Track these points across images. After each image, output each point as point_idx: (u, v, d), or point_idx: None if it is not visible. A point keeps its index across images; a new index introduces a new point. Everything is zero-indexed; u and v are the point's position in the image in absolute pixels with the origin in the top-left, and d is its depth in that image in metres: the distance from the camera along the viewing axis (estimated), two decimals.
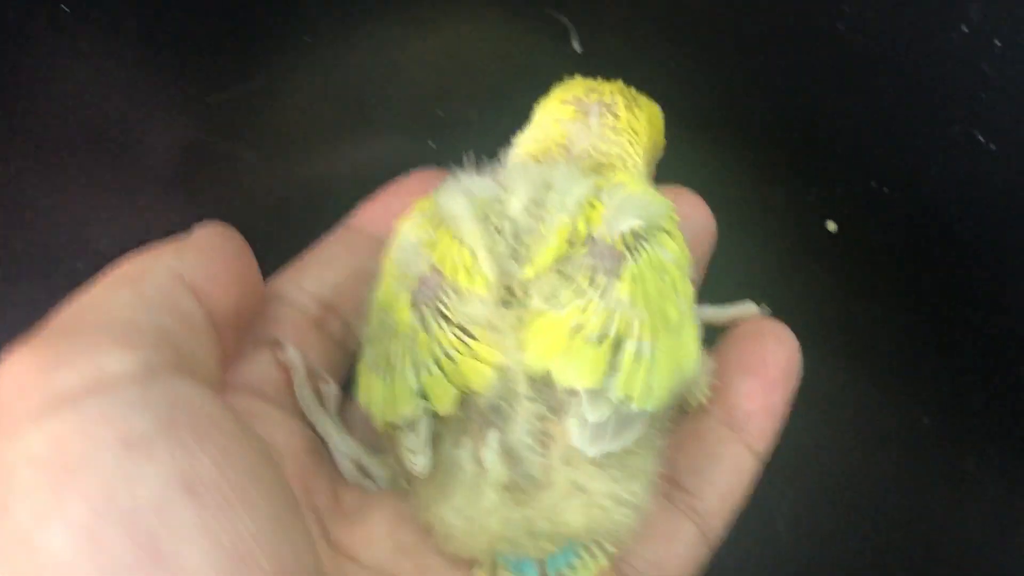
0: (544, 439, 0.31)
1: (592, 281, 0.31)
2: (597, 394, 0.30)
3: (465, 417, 0.31)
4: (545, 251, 0.32)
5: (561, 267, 0.32)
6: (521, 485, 0.31)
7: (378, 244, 0.35)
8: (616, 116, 0.37)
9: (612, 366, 0.30)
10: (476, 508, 0.31)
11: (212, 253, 0.31)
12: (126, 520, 0.22)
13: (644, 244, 0.32)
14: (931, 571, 0.52)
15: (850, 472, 0.52)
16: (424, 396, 0.31)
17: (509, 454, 0.31)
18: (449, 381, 0.31)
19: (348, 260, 0.38)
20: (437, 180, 0.36)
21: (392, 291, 0.33)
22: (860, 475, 0.52)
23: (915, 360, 0.50)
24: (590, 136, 0.37)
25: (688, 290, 0.33)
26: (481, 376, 0.31)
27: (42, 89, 0.46)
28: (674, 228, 0.34)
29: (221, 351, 0.31)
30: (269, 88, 0.46)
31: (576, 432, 0.30)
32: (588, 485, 0.31)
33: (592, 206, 0.33)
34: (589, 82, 0.39)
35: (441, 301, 0.32)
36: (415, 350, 0.32)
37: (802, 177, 0.48)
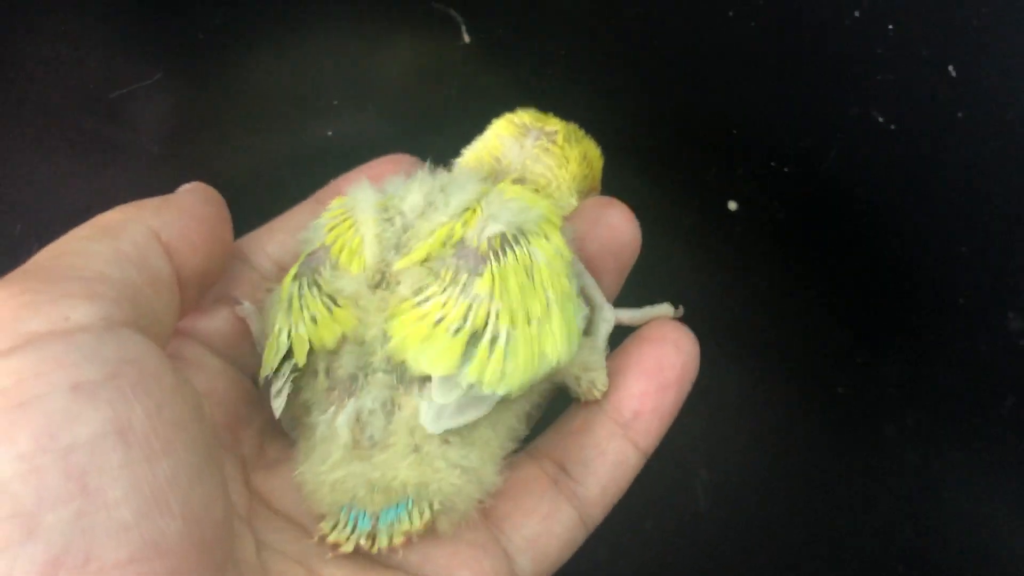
0: (392, 408, 0.35)
1: (454, 278, 0.35)
2: (448, 379, 0.34)
3: (330, 387, 0.35)
4: (419, 247, 0.36)
5: (431, 264, 0.36)
6: (363, 445, 0.34)
7: None
8: (552, 142, 0.41)
9: (467, 355, 0.34)
10: (323, 465, 0.34)
11: (191, 214, 0.35)
12: (63, 456, 0.25)
13: (511, 247, 0.35)
14: (853, 536, 0.53)
15: (768, 444, 0.53)
16: (288, 351, 0.35)
17: (359, 419, 0.35)
18: (309, 338, 0.35)
19: None
20: (407, 162, 0.41)
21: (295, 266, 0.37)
22: (778, 447, 0.53)
23: (825, 332, 0.50)
24: (521, 154, 0.41)
25: (563, 286, 0.36)
26: (334, 335, 0.35)
27: None
28: (552, 231, 0.37)
29: (179, 306, 0.34)
30: (167, 84, 0.46)
31: (423, 411, 0.34)
32: (423, 447, 0.34)
33: (472, 211, 0.37)
34: (543, 115, 0.42)
35: (318, 272, 0.36)
36: (288, 313, 0.36)
37: (702, 158, 0.48)
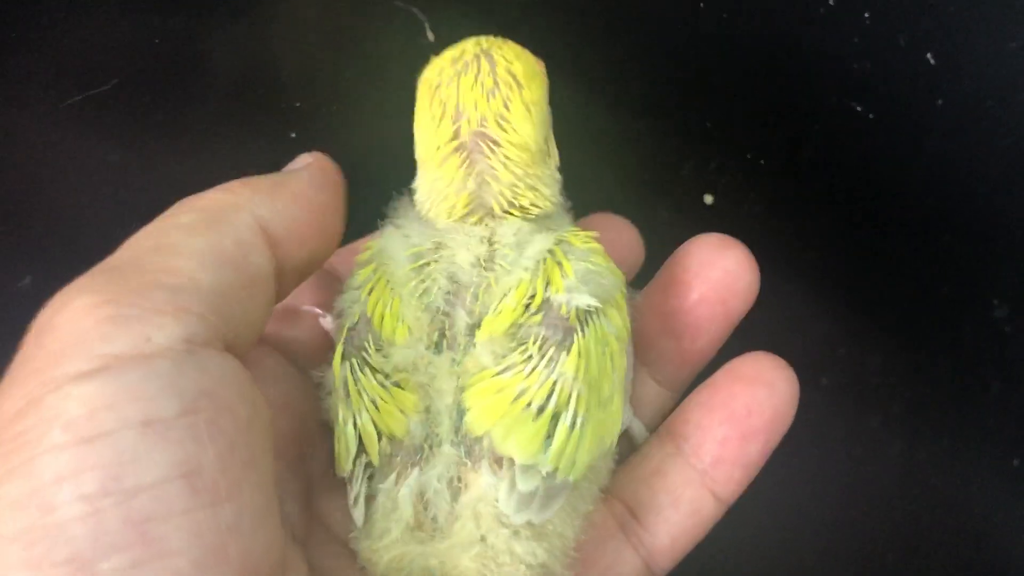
0: (458, 487, 0.32)
1: (541, 350, 0.32)
2: (531, 466, 0.32)
3: (393, 453, 0.33)
4: (504, 310, 0.33)
5: (514, 329, 0.33)
6: (426, 527, 0.32)
7: None
8: (494, 143, 0.36)
9: (546, 438, 0.31)
10: (381, 540, 0.33)
11: (305, 202, 0.32)
12: (127, 499, 0.24)
13: (593, 318, 0.33)
14: (840, 527, 0.53)
15: None
16: (360, 447, 0.33)
17: (423, 496, 0.32)
18: (377, 429, 0.33)
19: None
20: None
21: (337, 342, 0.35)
22: None
23: (808, 323, 0.50)
24: (488, 188, 0.36)
25: (623, 363, 0.34)
26: (400, 423, 0.32)
27: None
28: (622, 301, 0.35)
29: (272, 307, 0.32)
30: (125, 88, 0.45)
31: (504, 497, 0.32)
32: (489, 538, 0.32)
33: (553, 265, 0.34)
34: (446, 93, 0.36)
35: (365, 351, 0.34)
36: (347, 401, 0.33)
37: (678, 152, 0.47)
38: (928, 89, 0.44)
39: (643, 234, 0.42)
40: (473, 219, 0.36)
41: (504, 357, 0.33)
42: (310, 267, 0.34)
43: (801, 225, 0.49)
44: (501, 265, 0.34)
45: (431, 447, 0.32)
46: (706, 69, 0.46)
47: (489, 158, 0.35)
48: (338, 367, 0.34)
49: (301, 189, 0.32)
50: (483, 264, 0.35)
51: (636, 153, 0.48)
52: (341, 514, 0.34)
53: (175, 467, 0.25)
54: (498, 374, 0.32)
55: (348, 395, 0.33)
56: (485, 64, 0.36)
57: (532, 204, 0.36)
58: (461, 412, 0.32)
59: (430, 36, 0.46)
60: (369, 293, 0.34)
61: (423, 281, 0.34)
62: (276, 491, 0.29)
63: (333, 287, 0.37)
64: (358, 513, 0.33)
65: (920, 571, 0.52)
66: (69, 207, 0.45)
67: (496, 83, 0.36)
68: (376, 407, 0.33)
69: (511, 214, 0.36)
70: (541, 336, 0.33)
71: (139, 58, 0.46)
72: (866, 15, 0.42)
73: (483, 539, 0.32)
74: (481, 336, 0.33)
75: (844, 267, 0.49)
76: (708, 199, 0.48)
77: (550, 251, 0.35)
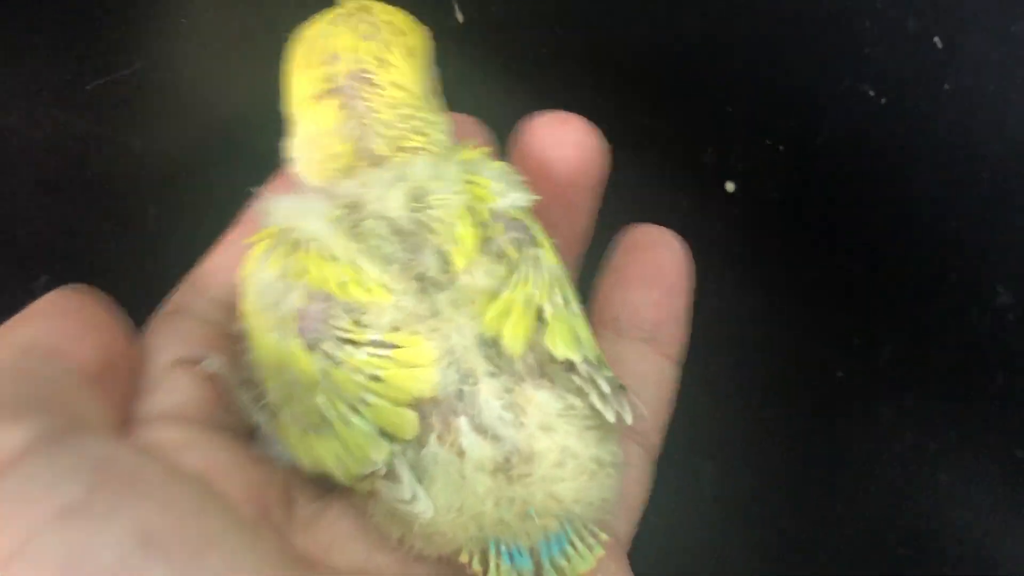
0: (519, 412, 0.31)
1: (521, 252, 0.33)
2: (583, 359, 0.32)
3: (424, 416, 0.30)
4: (465, 234, 0.33)
5: (482, 246, 0.33)
6: (511, 462, 0.30)
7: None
8: (376, 86, 0.35)
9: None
10: (467, 497, 0.30)
11: (59, 315, 0.30)
12: None
13: (530, 211, 0.34)
14: (853, 520, 0.53)
15: (767, 431, 0.52)
16: (384, 433, 0.30)
17: (486, 435, 0.30)
18: (393, 403, 0.30)
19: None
20: None
21: (274, 344, 0.32)
22: (778, 434, 0.52)
23: (824, 315, 0.50)
24: (371, 132, 0.35)
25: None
26: (423, 380, 0.31)
27: None
28: None
29: (109, 401, 0.30)
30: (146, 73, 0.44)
31: (602, 407, 0.31)
32: (576, 449, 0.31)
33: (475, 180, 0.34)
34: (321, 41, 0.36)
35: (338, 327, 0.31)
36: (342, 392, 0.31)
37: (699, 138, 0.48)
38: (935, 73, 0.45)
39: (665, 223, 0.43)
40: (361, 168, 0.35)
41: (494, 272, 0.32)
42: (116, 366, 0.31)
43: (816, 213, 0.50)
44: (436, 197, 0.33)
45: (469, 387, 0.31)
46: (724, 53, 0.47)
47: (369, 100, 0.35)
48: (307, 364, 0.31)
49: (50, 307, 0.31)
50: (416, 201, 0.33)
51: (658, 141, 0.49)
52: (329, 544, 0.32)
53: (125, 538, 0.22)
54: (513, 289, 0.32)
55: (336, 387, 0.31)
56: (364, 15, 0.36)
57: (422, 149, 0.35)
58: (489, 339, 0.31)
59: (459, 16, 0.46)
60: (306, 274, 0.32)
61: (369, 238, 0.33)
62: (251, 528, 0.27)
63: (195, 331, 0.35)
64: (423, 504, 0.30)
65: (931, 565, 0.52)
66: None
67: (375, 28, 0.36)
68: (380, 379, 0.31)
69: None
70: (512, 240, 0.33)
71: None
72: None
73: (569, 454, 0.31)
74: (460, 263, 0.32)
75: (858, 255, 0.50)
76: (730, 187, 0.49)
77: (464, 169, 0.34)
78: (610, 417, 0.31)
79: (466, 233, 0.33)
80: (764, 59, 0.48)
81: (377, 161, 0.35)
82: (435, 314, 0.32)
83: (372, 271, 0.32)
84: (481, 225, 0.33)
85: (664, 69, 0.49)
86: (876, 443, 0.52)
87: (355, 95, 0.35)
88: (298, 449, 0.33)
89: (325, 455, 0.31)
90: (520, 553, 0.31)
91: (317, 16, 0.37)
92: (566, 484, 0.31)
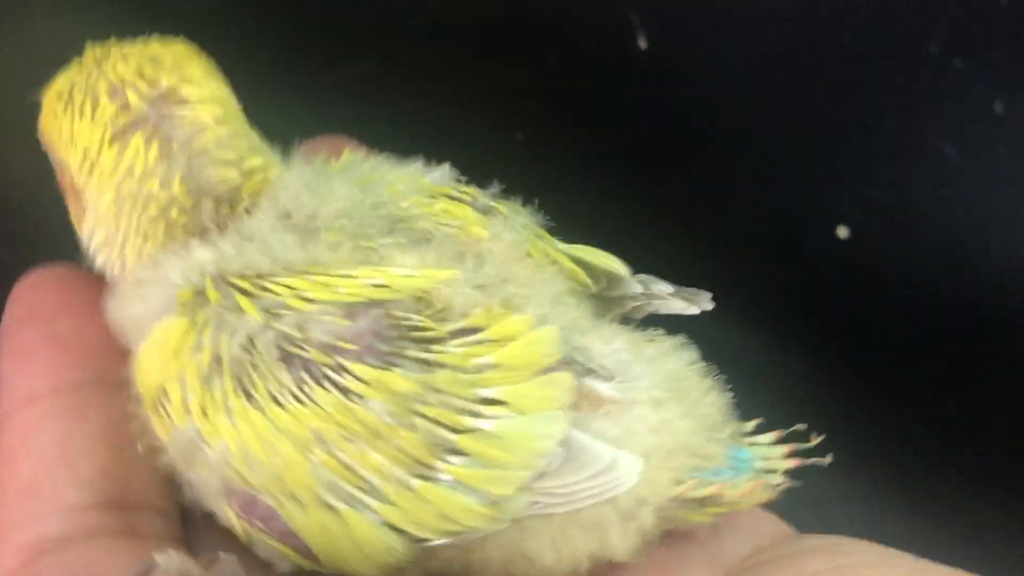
0: (631, 348, 0.31)
1: (499, 209, 0.33)
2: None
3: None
4: (458, 210, 0.32)
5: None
6: (660, 394, 0.31)
7: None
8: (187, 103, 0.31)
9: None
10: (651, 440, 0.30)
11: None
12: None
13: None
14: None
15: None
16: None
17: (625, 377, 0.31)
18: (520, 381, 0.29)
19: None
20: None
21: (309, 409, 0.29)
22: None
23: (929, 354, 0.51)
24: (206, 159, 0.32)
25: None
26: (546, 347, 0.30)
27: None
28: None
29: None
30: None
31: (682, 305, 0.33)
32: (680, 371, 0.32)
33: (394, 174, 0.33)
34: (90, 82, 0.32)
35: (409, 330, 0.30)
36: (455, 397, 0.29)
37: (812, 185, 0.48)
38: (998, 134, 0.50)
39: (777, 267, 0.43)
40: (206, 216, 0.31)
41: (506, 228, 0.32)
42: None
43: (917, 261, 0.51)
44: (391, 189, 0.32)
45: (580, 341, 0.31)
46: (835, 109, 0.49)
47: (185, 122, 0.31)
48: (400, 384, 0.28)
49: None
50: (374, 197, 0.32)
51: (773, 183, 0.49)
52: None
53: None
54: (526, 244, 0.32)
55: (444, 397, 0.29)
56: (127, 48, 0.32)
57: (267, 170, 0.33)
58: (559, 293, 0.32)
59: (642, 44, 0.44)
60: (305, 300, 0.30)
61: (359, 238, 0.31)
62: None
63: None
64: (628, 462, 0.29)
65: None
66: None
67: (155, 55, 0.32)
68: (495, 365, 0.29)
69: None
70: (481, 202, 0.33)
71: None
72: (956, 63, 0.48)
73: (682, 375, 0.32)
74: (482, 232, 0.32)
75: (961, 306, 0.50)
76: (842, 232, 0.50)
77: (371, 168, 0.33)
78: (695, 309, 0.32)
79: (458, 209, 0.32)
80: (865, 117, 0.50)
81: (228, 198, 0.31)
82: (490, 284, 0.31)
83: (407, 259, 0.30)
84: (448, 199, 0.32)
85: (775, 118, 0.49)
86: None
87: (164, 120, 0.31)
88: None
89: (423, 510, 0.29)
90: (720, 472, 0.31)
91: (63, 71, 0.33)
92: (701, 399, 0.31)
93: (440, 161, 0.34)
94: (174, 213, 0.31)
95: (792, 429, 0.33)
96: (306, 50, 0.43)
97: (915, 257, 0.50)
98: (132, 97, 0.31)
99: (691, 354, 0.33)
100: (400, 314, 0.30)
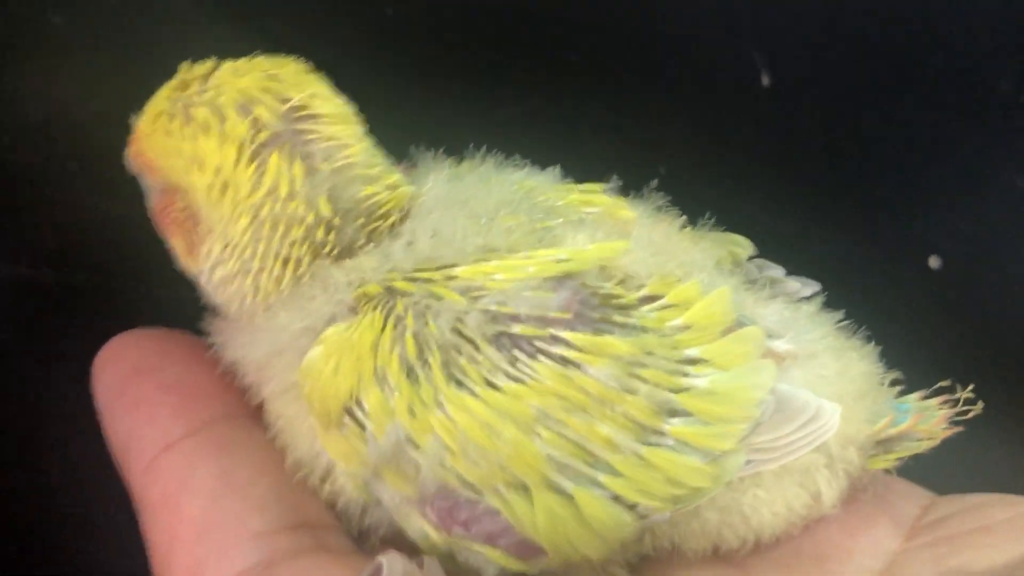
0: (790, 307, 0.34)
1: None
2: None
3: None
4: (596, 198, 0.34)
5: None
6: (834, 346, 0.34)
7: None
8: (322, 118, 0.30)
9: None
10: (839, 385, 0.32)
11: None
12: None
13: None
14: None
15: None
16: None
17: (793, 330, 0.33)
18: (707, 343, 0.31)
19: None
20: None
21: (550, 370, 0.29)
22: None
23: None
24: (351, 177, 0.31)
25: None
26: (723, 309, 0.31)
27: None
28: None
29: None
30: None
31: (800, 286, 0.35)
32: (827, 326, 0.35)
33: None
34: (208, 98, 0.31)
35: (608, 298, 0.31)
36: (667, 359, 0.30)
37: (906, 213, 0.50)
38: None
39: (866, 296, 0.45)
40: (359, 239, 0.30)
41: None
42: None
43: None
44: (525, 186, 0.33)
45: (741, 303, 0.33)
46: (921, 130, 0.49)
47: (323, 139, 0.30)
48: (623, 348, 0.29)
49: None
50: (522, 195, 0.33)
51: (865, 211, 0.50)
52: None
53: None
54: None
55: (660, 359, 0.30)
56: (241, 67, 0.31)
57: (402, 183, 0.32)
58: (716, 262, 0.34)
59: (765, 80, 0.45)
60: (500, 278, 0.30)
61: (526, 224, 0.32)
62: None
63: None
64: (831, 408, 0.31)
65: None
66: None
67: (272, 71, 0.31)
68: (689, 326, 0.30)
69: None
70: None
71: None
72: None
73: (831, 331, 0.35)
74: (629, 214, 0.34)
75: None
76: (934, 263, 0.52)
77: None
78: (808, 291, 0.35)
79: (594, 197, 0.33)
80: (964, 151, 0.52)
81: (376, 213, 0.31)
82: (657, 255, 0.32)
83: (578, 238, 0.31)
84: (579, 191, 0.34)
85: (865, 149, 0.51)
86: None
87: (300, 137, 0.30)
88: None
89: (651, 477, 0.29)
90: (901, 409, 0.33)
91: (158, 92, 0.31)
92: (859, 352, 0.34)
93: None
94: (320, 234, 0.30)
95: (937, 386, 0.35)
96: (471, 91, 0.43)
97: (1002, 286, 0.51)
98: (263, 113, 0.29)
99: (833, 315, 0.34)
100: (595, 283, 0.30)
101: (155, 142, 0.30)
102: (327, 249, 0.30)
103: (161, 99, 0.31)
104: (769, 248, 0.39)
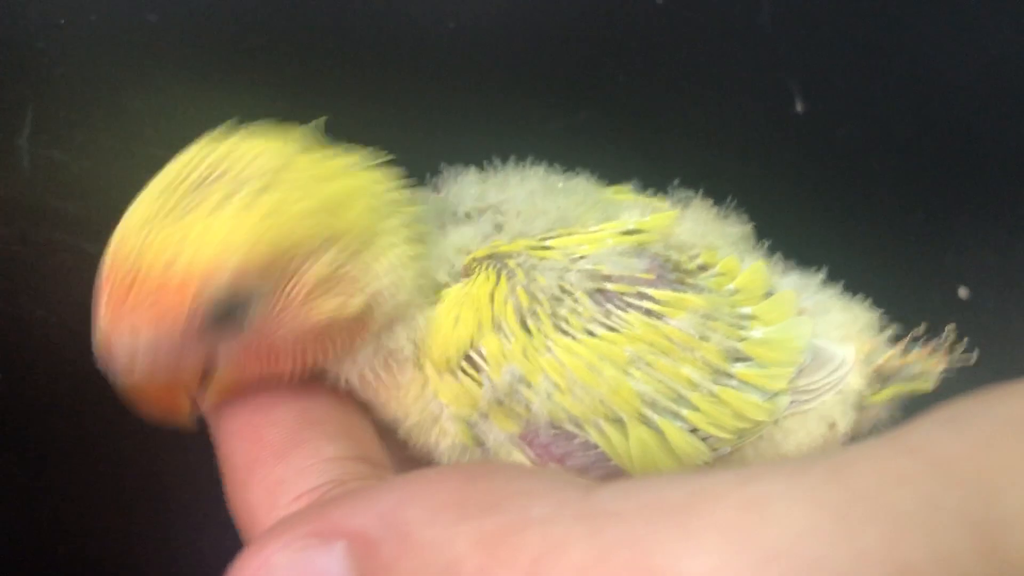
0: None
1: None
2: None
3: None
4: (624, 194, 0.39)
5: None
6: (843, 305, 0.39)
7: None
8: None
9: None
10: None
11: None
12: None
13: None
14: None
15: None
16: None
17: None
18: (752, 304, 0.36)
19: None
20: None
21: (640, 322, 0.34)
22: None
23: None
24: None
25: None
26: (766, 276, 0.37)
27: None
28: None
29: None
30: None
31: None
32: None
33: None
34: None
35: (678, 263, 0.36)
36: (727, 317, 0.35)
37: (938, 240, 0.50)
38: None
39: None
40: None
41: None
42: None
43: None
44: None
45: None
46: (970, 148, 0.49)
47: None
48: (696, 302, 0.34)
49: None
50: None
51: (896, 238, 0.50)
52: None
53: None
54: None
55: (723, 316, 0.35)
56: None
57: None
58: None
59: (799, 107, 0.46)
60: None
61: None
62: None
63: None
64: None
65: None
66: None
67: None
68: (739, 290, 0.36)
69: None
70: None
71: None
72: None
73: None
74: (663, 203, 0.38)
75: None
76: (963, 293, 0.52)
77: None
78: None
79: (628, 193, 0.38)
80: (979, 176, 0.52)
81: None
82: (699, 232, 0.37)
83: (632, 214, 0.36)
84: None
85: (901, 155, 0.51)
86: None
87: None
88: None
89: (722, 412, 0.34)
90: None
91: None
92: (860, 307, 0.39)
93: None
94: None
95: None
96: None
97: None
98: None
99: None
100: (664, 252, 0.35)
101: (260, 231, 0.28)
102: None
103: (196, 212, 0.28)
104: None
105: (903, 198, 0.50)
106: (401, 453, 0.35)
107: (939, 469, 0.20)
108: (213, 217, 0.27)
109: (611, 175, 0.39)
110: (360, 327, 0.31)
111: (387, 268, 0.31)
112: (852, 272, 0.39)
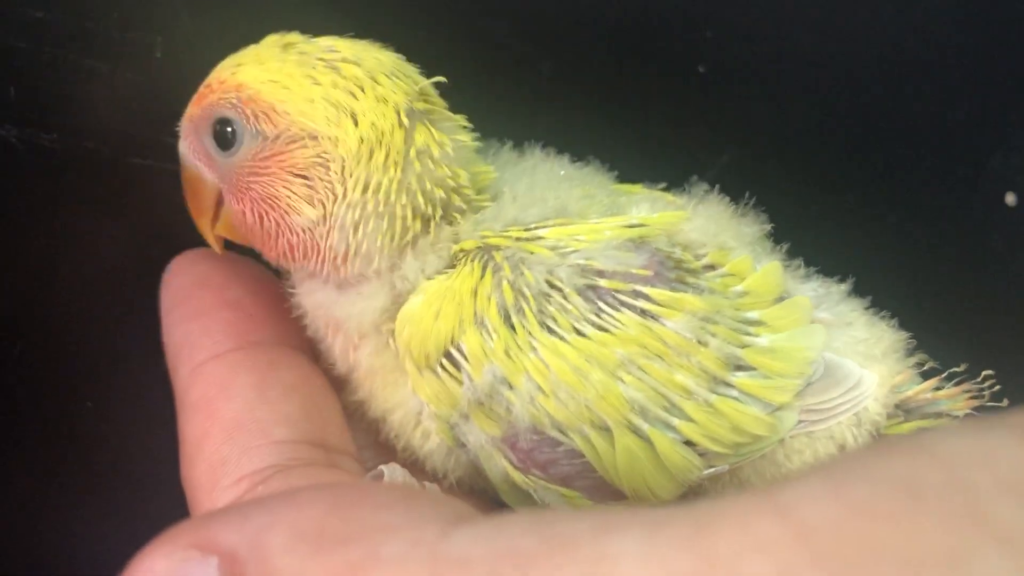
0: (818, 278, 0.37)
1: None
2: None
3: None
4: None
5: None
6: (867, 320, 0.36)
7: None
8: (441, 116, 0.33)
9: None
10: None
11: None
12: None
13: None
14: None
15: None
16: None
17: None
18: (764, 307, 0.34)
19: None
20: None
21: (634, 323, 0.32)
22: None
23: None
24: (464, 162, 0.34)
25: None
26: (779, 279, 0.35)
27: None
28: None
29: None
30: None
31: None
32: None
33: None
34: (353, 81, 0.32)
35: (679, 260, 0.33)
36: (732, 320, 0.33)
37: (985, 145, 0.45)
38: None
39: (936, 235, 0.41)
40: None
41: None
42: None
43: None
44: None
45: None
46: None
47: (445, 118, 0.34)
48: (695, 303, 0.32)
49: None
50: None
51: (942, 144, 0.45)
52: None
53: None
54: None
55: (726, 318, 0.33)
56: (348, 43, 0.34)
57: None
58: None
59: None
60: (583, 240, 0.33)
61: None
62: None
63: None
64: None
65: None
66: None
67: (394, 55, 0.34)
68: (746, 292, 0.33)
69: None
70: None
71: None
72: None
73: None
74: (670, 197, 0.36)
75: None
76: (1010, 199, 0.47)
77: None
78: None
79: (637, 186, 0.36)
80: None
81: (473, 186, 0.34)
82: (710, 230, 0.34)
83: (640, 209, 0.34)
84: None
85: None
86: None
87: (430, 116, 0.33)
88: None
89: (719, 424, 0.31)
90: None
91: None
92: (885, 325, 0.36)
93: None
94: (455, 199, 0.32)
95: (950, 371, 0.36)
96: None
97: None
98: (407, 87, 0.32)
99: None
100: (667, 248, 0.33)
101: (287, 90, 0.31)
102: (440, 214, 0.33)
103: (270, 53, 0.32)
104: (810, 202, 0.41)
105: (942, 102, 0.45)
106: (373, 437, 0.35)
107: (803, 539, 0.18)
108: (267, 64, 0.32)
109: (628, 169, 0.37)
110: (313, 246, 0.32)
111: (359, 200, 0.32)
112: (880, 289, 0.36)
